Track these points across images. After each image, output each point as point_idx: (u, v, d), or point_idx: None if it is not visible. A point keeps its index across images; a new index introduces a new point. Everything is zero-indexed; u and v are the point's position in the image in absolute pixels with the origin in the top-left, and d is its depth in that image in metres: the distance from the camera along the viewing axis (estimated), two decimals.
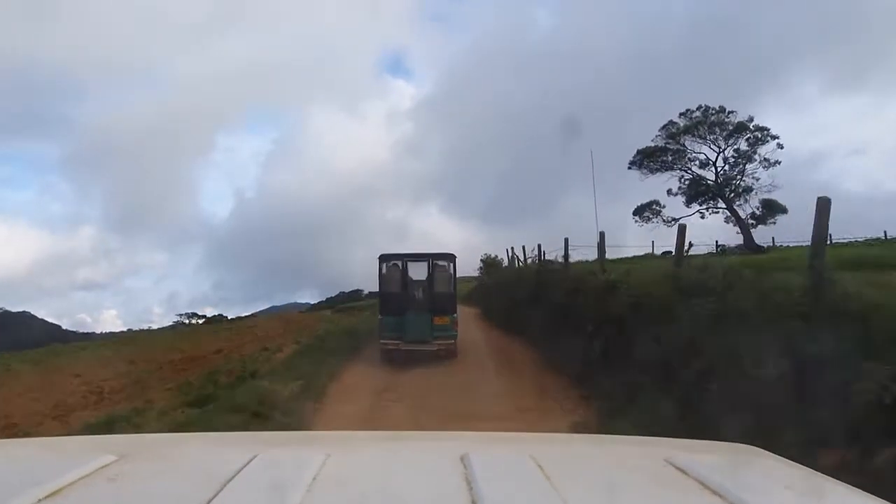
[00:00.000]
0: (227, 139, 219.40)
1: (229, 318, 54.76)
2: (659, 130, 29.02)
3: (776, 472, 1.04)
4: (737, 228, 27.18)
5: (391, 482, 0.88)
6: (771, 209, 27.34)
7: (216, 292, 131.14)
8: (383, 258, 12.11)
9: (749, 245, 25.74)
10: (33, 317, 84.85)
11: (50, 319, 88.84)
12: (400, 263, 12.12)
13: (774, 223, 27.33)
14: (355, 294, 53.63)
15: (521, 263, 23.31)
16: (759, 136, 27.49)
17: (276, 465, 0.91)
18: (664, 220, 29.22)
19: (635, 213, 29.94)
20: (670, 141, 28.47)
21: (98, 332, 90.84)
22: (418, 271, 12.23)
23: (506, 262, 23.87)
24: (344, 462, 0.94)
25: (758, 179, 27.52)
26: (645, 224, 29.60)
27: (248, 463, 0.86)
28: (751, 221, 27.59)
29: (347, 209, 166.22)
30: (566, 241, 12.79)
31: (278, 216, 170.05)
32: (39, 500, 0.72)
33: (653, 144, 29.01)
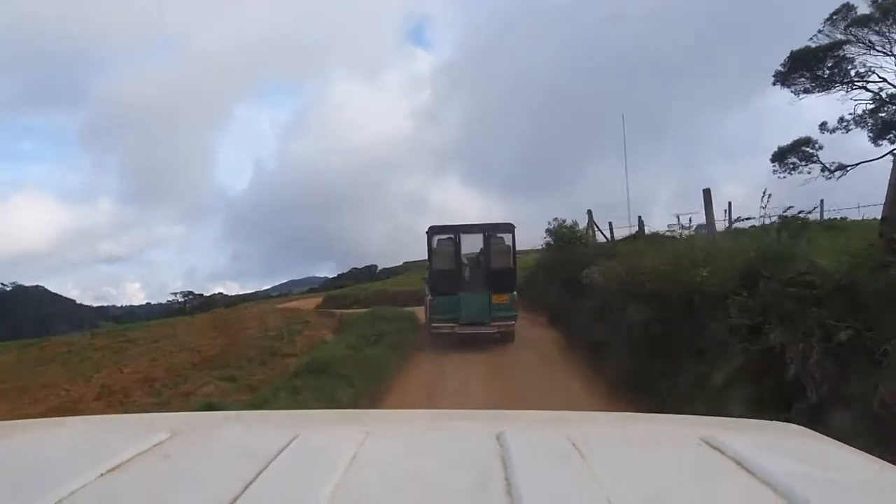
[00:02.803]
0: (246, 110, 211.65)
1: (230, 295, 48.29)
2: (823, 23, 17.94)
3: (820, 453, 0.97)
4: None
5: (427, 461, 0.90)
6: None
7: (234, 265, 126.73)
8: (433, 231, 10.72)
9: None
10: (46, 291, 79.85)
11: (68, 295, 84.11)
12: (453, 236, 10.70)
13: None
14: (370, 270, 46.05)
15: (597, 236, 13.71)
16: None
17: (317, 445, 0.94)
18: (826, 168, 18.48)
19: (774, 158, 19.24)
20: (849, 34, 17.34)
21: (120, 304, 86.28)
22: (473, 245, 10.99)
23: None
24: (382, 441, 0.96)
25: None
26: (789, 175, 18.94)
27: (289, 443, 0.89)
28: None
29: (367, 182, 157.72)
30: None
31: (297, 188, 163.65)
32: (101, 475, 0.76)
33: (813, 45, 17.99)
